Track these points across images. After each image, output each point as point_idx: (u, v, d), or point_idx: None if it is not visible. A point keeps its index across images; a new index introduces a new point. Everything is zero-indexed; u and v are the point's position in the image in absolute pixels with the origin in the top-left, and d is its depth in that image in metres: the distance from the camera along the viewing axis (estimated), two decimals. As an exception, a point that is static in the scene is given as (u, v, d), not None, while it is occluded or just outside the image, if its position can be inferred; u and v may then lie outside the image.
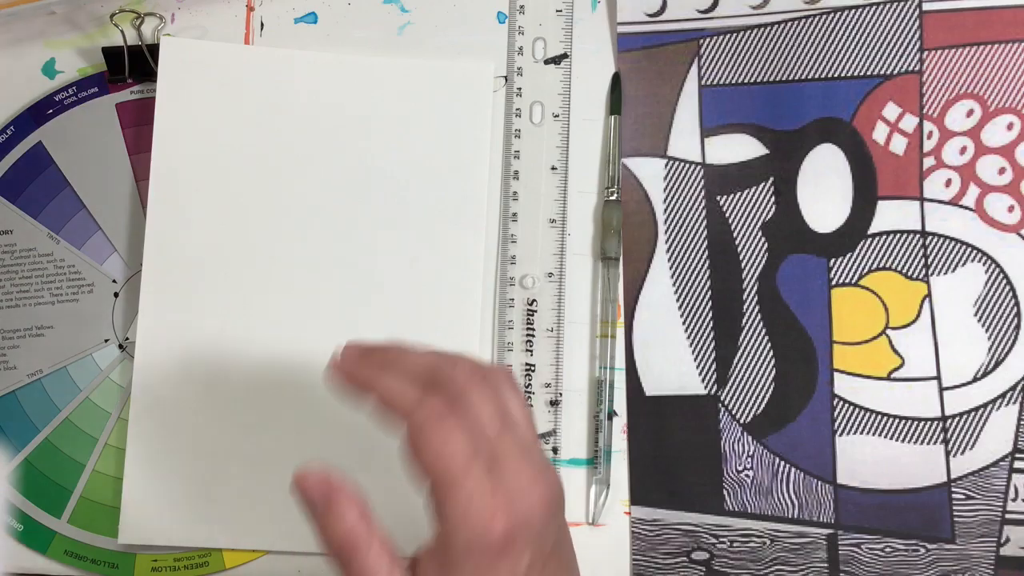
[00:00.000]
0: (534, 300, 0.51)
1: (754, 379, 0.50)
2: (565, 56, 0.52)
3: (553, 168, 0.52)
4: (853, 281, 0.50)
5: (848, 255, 0.50)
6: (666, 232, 0.51)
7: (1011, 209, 0.50)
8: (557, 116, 0.52)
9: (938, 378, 0.49)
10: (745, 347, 0.50)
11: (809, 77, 0.51)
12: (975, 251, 0.50)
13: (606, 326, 0.50)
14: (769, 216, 0.51)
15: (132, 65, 0.52)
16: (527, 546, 0.30)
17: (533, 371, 0.50)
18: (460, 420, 0.31)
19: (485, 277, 0.51)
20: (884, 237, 0.50)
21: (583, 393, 0.51)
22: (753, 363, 0.50)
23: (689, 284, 0.51)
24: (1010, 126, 0.50)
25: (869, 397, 0.49)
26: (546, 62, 0.52)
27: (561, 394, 0.50)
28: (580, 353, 0.51)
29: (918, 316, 0.50)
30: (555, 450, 0.50)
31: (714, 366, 0.50)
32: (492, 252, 0.51)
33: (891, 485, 0.49)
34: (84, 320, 0.52)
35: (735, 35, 0.52)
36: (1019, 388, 0.49)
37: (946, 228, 0.50)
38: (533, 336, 0.51)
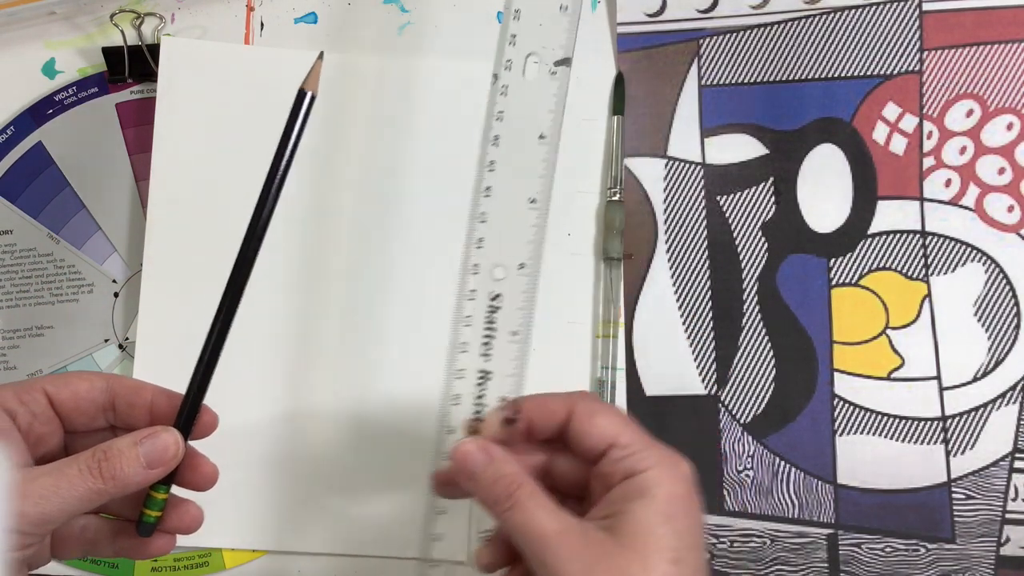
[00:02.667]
0: (499, 295, 0.40)
1: (754, 379, 0.50)
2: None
3: (541, 136, 0.40)
4: (853, 281, 0.50)
5: (848, 255, 0.50)
6: (666, 232, 0.51)
7: (1011, 209, 0.50)
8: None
9: (938, 378, 0.49)
10: (745, 347, 0.50)
11: (809, 77, 0.51)
12: (975, 251, 0.50)
13: (607, 326, 0.50)
14: (769, 216, 0.51)
15: (132, 65, 0.52)
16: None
17: (488, 379, 0.39)
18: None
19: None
20: (884, 237, 0.50)
21: (583, 393, 0.50)
22: (753, 363, 0.50)
23: (689, 284, 0.51)
24: (1010, 126, 0.50)
25: (869, 397, 0.49)
26: (546, 62, 0.52)
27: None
28: (580, 353, 0.51)
29: (918, 316, 0.50)
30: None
31: (714, 366, 0.50)
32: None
33: (891, 485, 0.49)
34: (84, 320, 0.51)
35: (735, 35, 0.52)
36: (1019, 388, 0.49)
37: (946, 228, 0.50)
38: (493, 338, 0.40)
